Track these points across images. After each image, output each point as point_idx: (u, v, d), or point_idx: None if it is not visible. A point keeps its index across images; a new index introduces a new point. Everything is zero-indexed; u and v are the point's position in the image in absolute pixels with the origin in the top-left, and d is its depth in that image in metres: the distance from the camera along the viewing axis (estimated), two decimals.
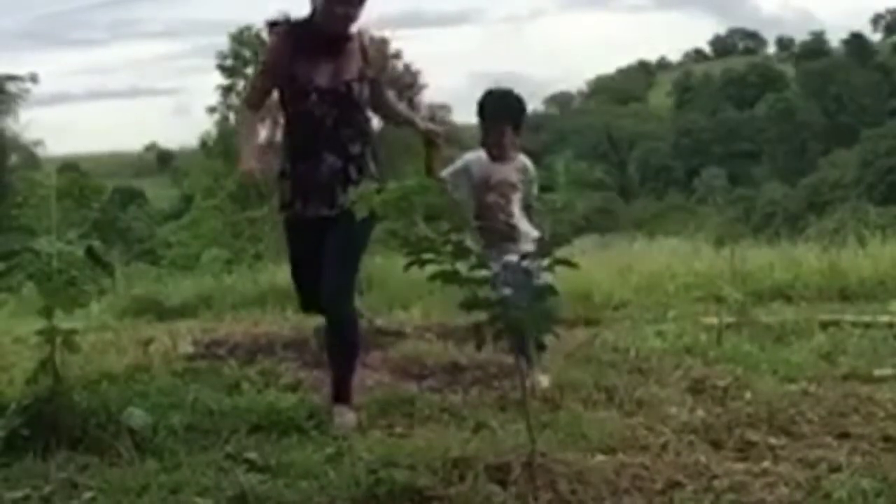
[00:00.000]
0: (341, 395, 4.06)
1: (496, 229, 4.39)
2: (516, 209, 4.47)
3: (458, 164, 4.54)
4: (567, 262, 3.16)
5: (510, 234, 4.41)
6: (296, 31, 4.04)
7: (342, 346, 4.07)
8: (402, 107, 4.66)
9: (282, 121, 4.25)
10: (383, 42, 35.97)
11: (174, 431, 3.70)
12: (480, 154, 4.52)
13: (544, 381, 4.44)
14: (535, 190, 4.59)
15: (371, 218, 3.91)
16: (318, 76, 3.98)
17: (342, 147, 4.02)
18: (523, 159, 4.55)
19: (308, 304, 4.23)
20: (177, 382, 4.52)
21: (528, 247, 3.69)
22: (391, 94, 4.53)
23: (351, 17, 3.98)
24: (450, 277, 3.20)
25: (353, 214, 3.87)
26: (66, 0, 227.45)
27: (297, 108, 4.04)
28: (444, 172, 4.38)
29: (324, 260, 4.02)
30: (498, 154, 4.47)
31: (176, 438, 3.65)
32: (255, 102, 4.16)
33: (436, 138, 4.28)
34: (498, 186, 4.44)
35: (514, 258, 3.45)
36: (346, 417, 3.96)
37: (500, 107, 4.49)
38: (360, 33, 4.10)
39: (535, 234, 4.32)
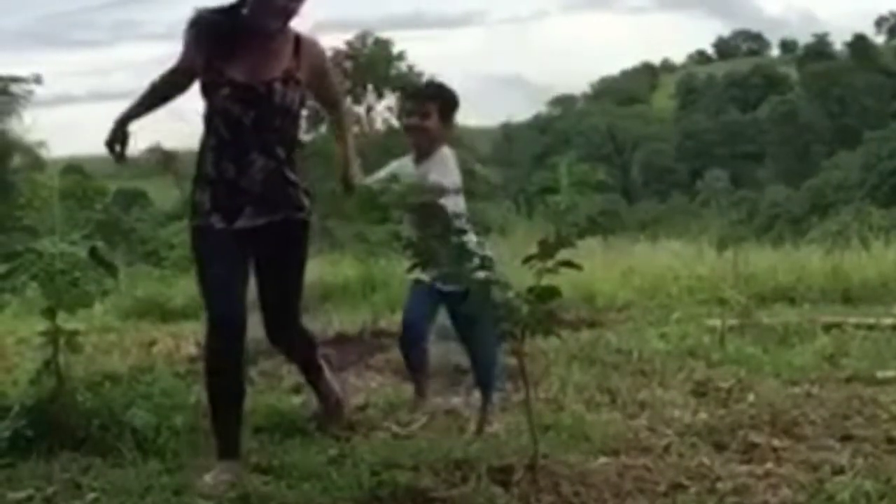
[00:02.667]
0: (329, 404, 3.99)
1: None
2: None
3: (382, 172, 4.04)
4: (570, 264, 3.16)
5: None
6: (216, 18, 3.51)
7: (306, 364, 3.94)
8: (349, 131, 3.85)
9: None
10: (386, 43, 36.02)
11: (177, 432, 3.70)
12: (404, 160, 4.08)
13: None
14: (455, 181, 3.90)
15: (306, 227, 3.60)
16: (233, 69, 3.44)
17: (270, 148, 3.49)
18: (444, 151, 3.98)
19: (227, 330, 3.62)
20: (180, 384, 4.51)
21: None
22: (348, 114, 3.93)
23: (290, 12, 3.46)
24: (451, 279, 3.21)
25: (297, 225, 3.54)
26: (68, 1, 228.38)
27: (211, 103, 3.50)
28: (369, 180, 3.78)
29: (267, 284, 3.61)
30: (418, 139, 3.95)
31: (179, 439, 3.65)
32: (179, 71, 3.61)
33: (346, 189, 3.71)
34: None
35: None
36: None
37: (427, 86, 4.20)
38: (298, 35, 3.57)
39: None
